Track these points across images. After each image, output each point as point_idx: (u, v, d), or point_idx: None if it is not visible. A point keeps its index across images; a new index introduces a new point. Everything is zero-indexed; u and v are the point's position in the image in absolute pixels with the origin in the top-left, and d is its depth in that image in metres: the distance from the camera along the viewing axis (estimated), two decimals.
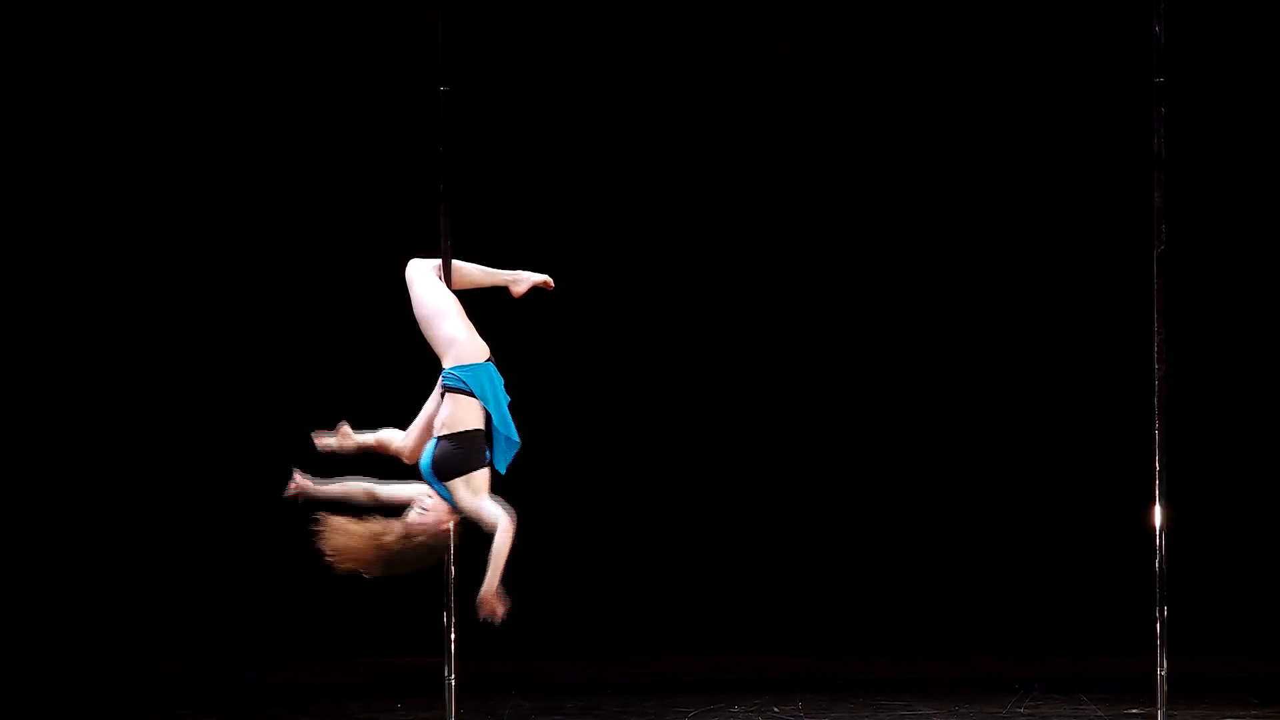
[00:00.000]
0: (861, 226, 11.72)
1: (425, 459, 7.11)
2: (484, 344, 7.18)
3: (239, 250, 11.67)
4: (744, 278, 11.75)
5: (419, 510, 7.12)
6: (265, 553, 11.64)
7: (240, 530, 11.65)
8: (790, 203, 11.73)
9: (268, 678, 11.05)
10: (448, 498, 7.08)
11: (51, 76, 11.56)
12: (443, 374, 7.13)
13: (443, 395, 7.12)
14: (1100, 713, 9.27)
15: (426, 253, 7.35)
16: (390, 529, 7.10)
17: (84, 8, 11.50)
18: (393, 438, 7.35)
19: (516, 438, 7.18)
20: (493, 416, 7.13)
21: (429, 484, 7.12)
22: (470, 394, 7.09)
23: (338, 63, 11.57)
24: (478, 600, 7.06)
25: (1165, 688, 7.76)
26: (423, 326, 7.22)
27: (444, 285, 7.29)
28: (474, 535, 7.72)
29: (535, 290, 7.45)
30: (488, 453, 7.11)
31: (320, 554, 7.25)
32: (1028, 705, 9.57)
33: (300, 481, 7.37)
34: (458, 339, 7.15)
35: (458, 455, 7.04)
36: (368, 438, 7.37)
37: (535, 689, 10.43)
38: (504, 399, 7.19)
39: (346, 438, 7.40)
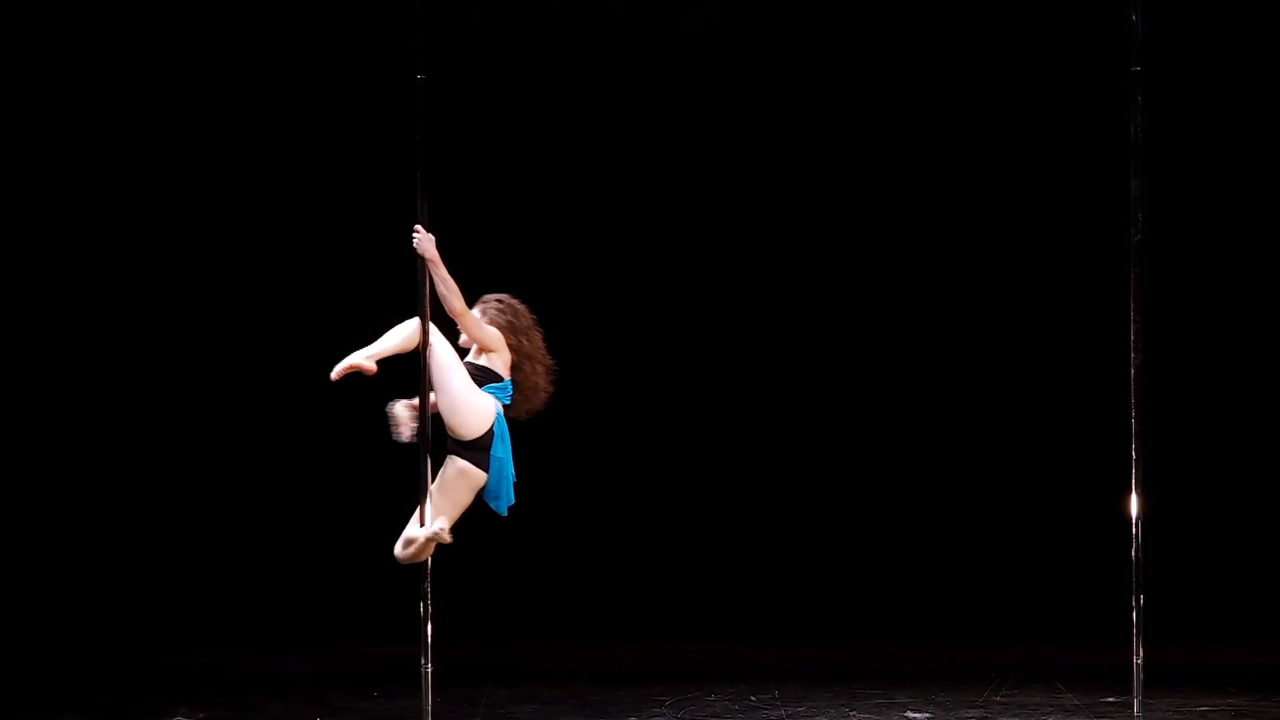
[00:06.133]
0: (842, 218, 11.73)
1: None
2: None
3: (219, 242, 11.66)
4: (726, 265, 11.76)
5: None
6: (242, 543, 11.64)
7: (217, 521, 11.64)
8: (773, 193, 11.74)
9: (245, 666, 11.05)
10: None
11: (37, 69, 11.54)
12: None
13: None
14: (1077, 701, 9.28)
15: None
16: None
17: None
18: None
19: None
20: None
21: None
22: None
23: (314, 51, 11.55)
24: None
25: (1141, 676, 7.77)
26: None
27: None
28: (462, 539, 7.73)
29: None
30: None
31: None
32: (1004, 694, 9.58)
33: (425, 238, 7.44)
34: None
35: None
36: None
37: (512, 677, 10.43)
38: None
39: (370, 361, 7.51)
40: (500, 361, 7.60)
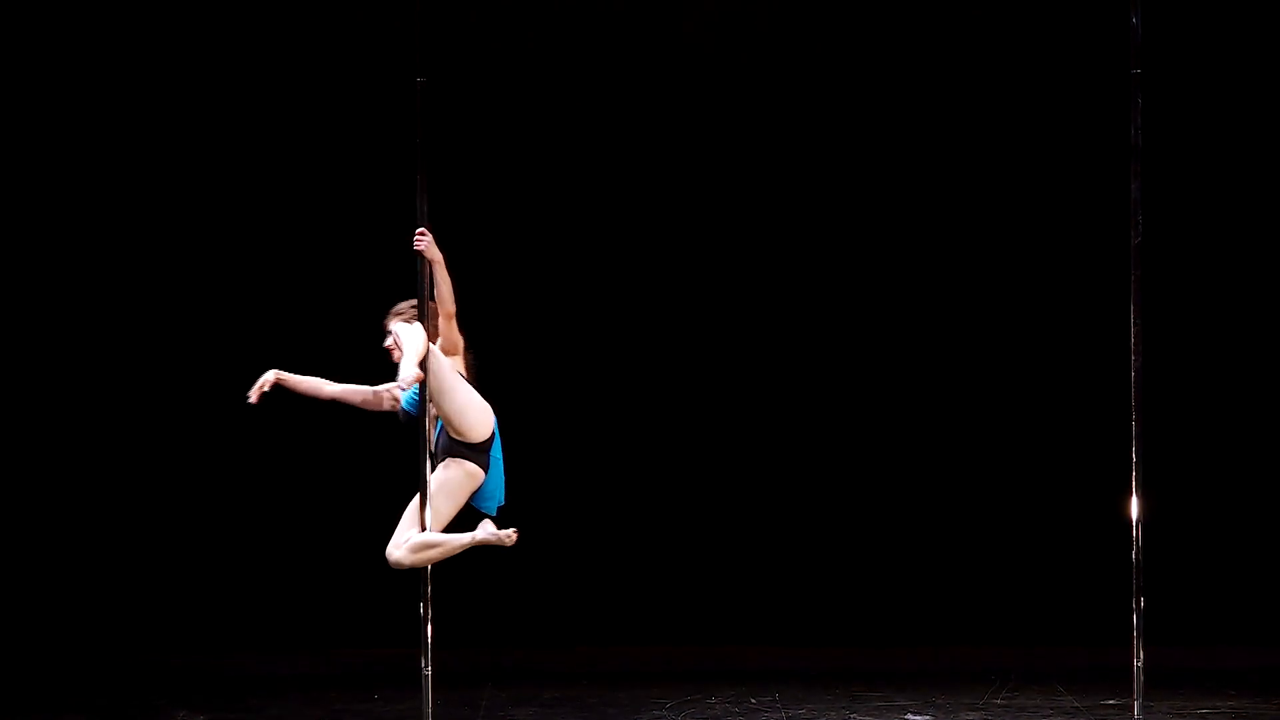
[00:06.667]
0: (842, 220, 11.72)
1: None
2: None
3: (221, 244, 11.65)
4: (726, 266, 11.75)
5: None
6: (243, 544, 11.63)
7: (218, 522, 11.64)
8: (773, 194, 11.73)
9: (245, 668, 11.04)
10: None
11: (38, 70, 11.54)
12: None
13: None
14: (1077, 703, 9.27)
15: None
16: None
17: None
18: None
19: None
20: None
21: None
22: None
23: (315, 53, 11.54)
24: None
25: (1142, 678, 7.78)
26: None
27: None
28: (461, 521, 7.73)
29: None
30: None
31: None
32: (1004, 696, 9.58)
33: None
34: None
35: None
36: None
37: (512, 679, 10.43)
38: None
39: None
40: (461, 364, 7.67)
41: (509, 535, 7.49)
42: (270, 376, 7.67)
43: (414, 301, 7.60)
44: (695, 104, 11.61)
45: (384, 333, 7.68)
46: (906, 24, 11.52)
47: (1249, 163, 11.42)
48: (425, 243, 7.50)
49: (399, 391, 7.61)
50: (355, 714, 9.32)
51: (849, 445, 11.71)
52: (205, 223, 11.65)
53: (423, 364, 7.41)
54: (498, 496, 7.69)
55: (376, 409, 7.85)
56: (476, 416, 7.54)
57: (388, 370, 7.61)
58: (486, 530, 7.51)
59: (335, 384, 7.82)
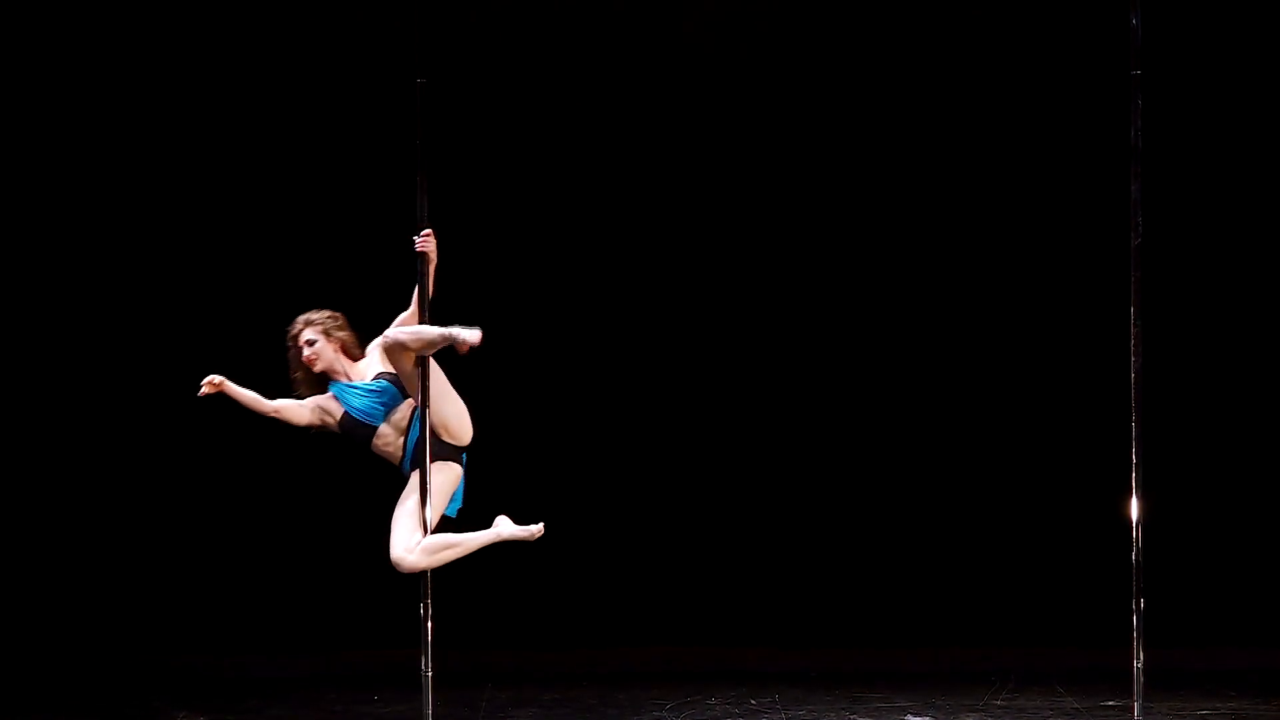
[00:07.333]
0: (842, 220, 11.71)
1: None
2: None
3: (220, 245, 11.64)
4: (725, 267, 11.74)
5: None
6: (243, 545, 11.63)
7: (218, 522, 11.64)
8: (773, 195, 11.73)
9: (245, 669, 11.04)
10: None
11: (38, 70, 11.54)
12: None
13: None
14: (1076, 704, 9.28)
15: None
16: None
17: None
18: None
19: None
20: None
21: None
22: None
23: (315, 54, 11.54)
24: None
25: (1142, 680, 7.78)
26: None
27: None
28: (461, 525, 7.73)
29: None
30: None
31: None
32: (1004, 697, 9.58)
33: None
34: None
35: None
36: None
37: (512, 681, 10.43)
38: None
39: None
40: (385, 364, 7.78)
41: (537, 530, 7.53)
42: (216, 379, 7.67)
43: (329, 312, 7.72)
44: (695, 104, 11.61)
45: (295, 344, 7.79)
46: (906, 24, 11.52)
47: (1249, 163, 11.42)
48: (431, 244, 7.52)
49: (331, 403, 7.70)
50: (355, 714, 9.33)
51: (849, 446, 11.71)
52: (205, 224, 11.64)
53: (426, 362, 7.44)
54: (459, 500, 7.74)
55: (307, 424, 7.88)
56: (466, 420, 7.60)
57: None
58: (509, 527, 7.53)
59: (274, 400, 7.88)
